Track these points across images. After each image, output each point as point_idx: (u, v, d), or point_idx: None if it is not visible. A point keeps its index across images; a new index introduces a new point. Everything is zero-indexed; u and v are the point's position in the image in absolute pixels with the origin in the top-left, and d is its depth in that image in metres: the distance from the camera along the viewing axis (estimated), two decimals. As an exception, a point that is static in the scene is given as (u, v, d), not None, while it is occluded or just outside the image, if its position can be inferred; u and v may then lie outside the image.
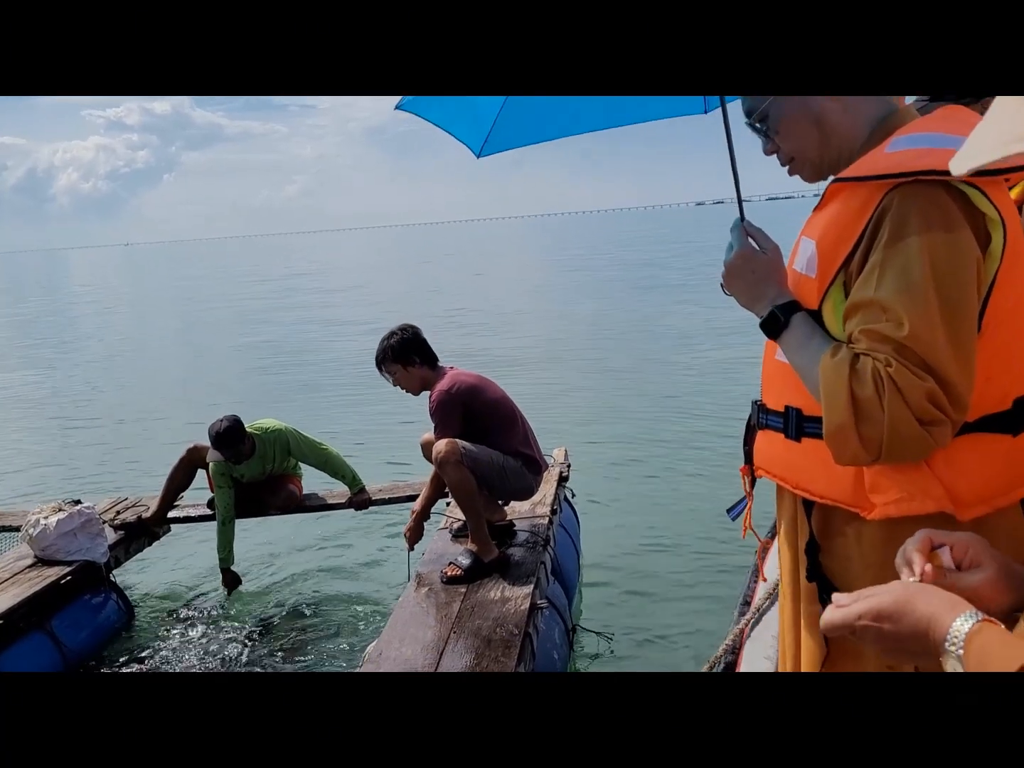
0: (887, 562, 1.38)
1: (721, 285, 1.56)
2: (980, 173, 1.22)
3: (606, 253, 41.77)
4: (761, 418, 1.56)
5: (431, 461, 4.00)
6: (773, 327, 1.43)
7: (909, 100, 1.57)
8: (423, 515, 4.19)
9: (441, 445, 3.83)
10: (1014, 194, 1.70)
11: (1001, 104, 0.72)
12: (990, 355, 1.30)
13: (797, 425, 1.45)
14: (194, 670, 3.99)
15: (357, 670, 3.40)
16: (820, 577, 1.46)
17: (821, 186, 1.51)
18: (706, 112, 2.31)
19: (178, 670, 4.00)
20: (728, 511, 1.80)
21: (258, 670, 4.00)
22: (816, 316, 1.39)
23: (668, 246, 44.12)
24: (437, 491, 4.18)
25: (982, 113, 1.91)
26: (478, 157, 2.29)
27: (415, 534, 4.16)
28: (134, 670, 4.04)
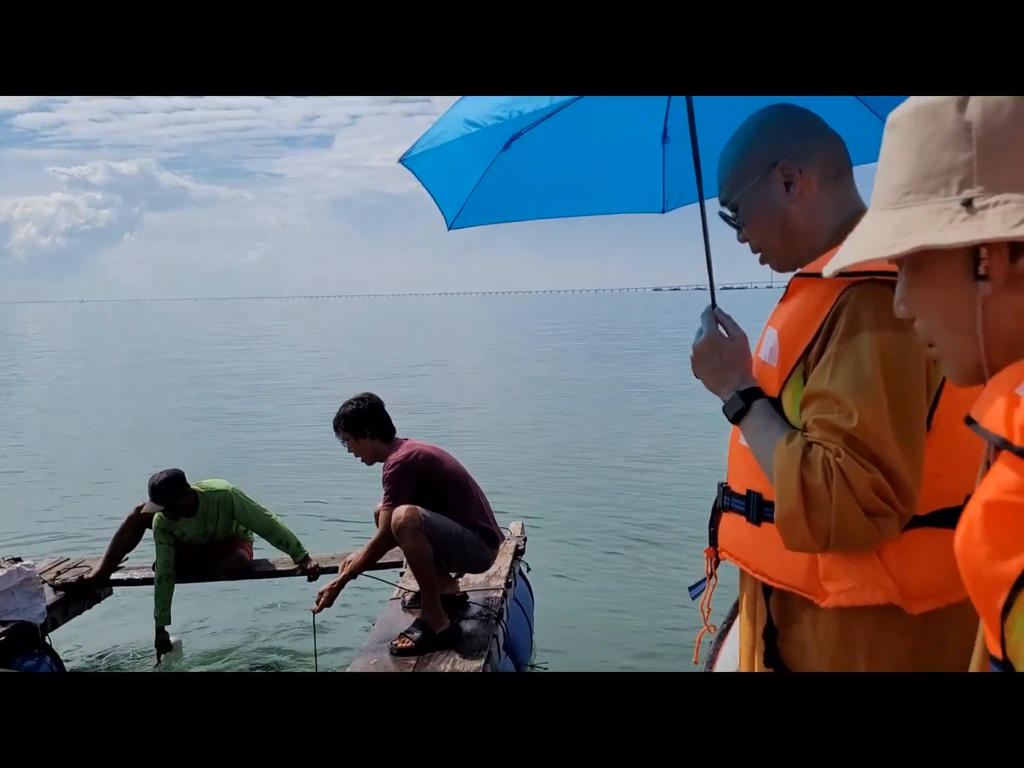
0: (842, 651, 1.40)
1: (691, 367, 1.62)
2: None
3: (566, 330, 42.37)
4: (726, 500, 1.59)
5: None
6: (734, 411, 1.48)
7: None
8: (345, 581, 4.05)
9: (401, 511, 3.78)
10: None
11: (865, 221, 0.84)
12: (942, 452, 1.34)
13: (757, 509, 1.48)
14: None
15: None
16: (777, 663, 1.47)
17: (776, 277, 1.60)
18: (664, 212, 2.47)
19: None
20: (689, 589, 1.80)
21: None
22: (776, 404, 1.44)
23: (629, 327, 44.91)
24: (372, 559, 4.07)
25: None
26: (449, 229, 2.35)
27: (330, 598, 4.02)
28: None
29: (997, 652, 0.72)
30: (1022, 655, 0.69)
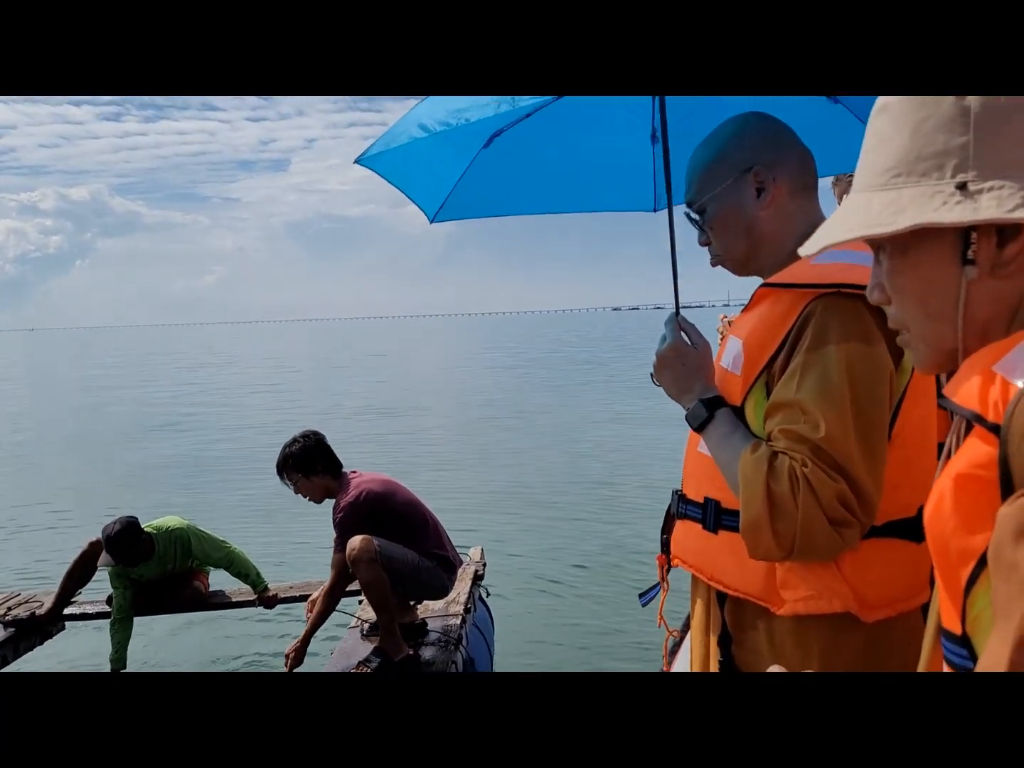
0: (797, 657, 1.41)
1: (651, 374, 1.61)
2: None
3: (526, 351, 42.45)
4: (681, 508, 1.59)
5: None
6: (698, 420, 1.48)
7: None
8: (309, 638, 4.00)
9: (356, 542, 3.76)
10: None
11: (848, 203, 0.85)
12: (898, 464, 1.37)
13: (715, 517, 1.48)
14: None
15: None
16: (732, 669, 1.48)
17: (734, 295, 1.62)
18: (655, 210, 2.45)
19: None
20: (640, 596, 1.80)
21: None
22: (739, 412, 1.45)
23: (591, 344, 45.14)
24: (330, 608, 4.02)
25: None
26: (431, 222, 2.35)
27: (298, 657, 3.95)
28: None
29: (956, 627, 0.72)
30: (981, 630, 0.70)
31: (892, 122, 0.81)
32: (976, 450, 0.70)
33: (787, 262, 1.47)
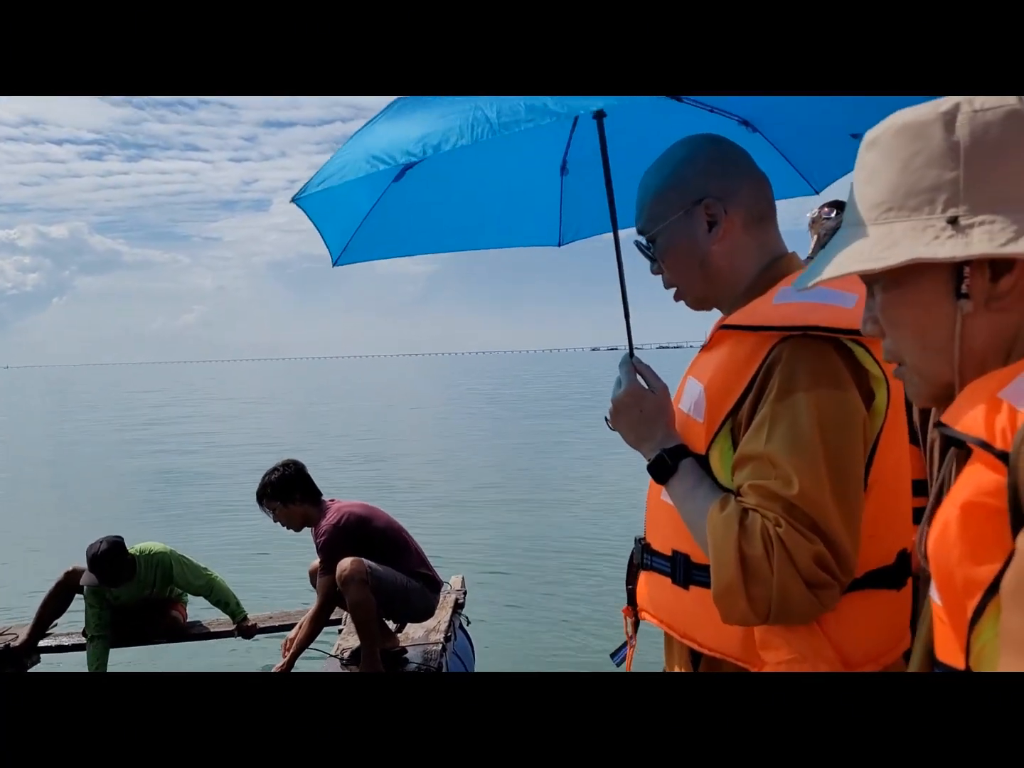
0: None
1: (606, 419, 1.52)
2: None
3: (505, 390, 42.48)
4: (646, 559, 1.49)
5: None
6: (660, 472, 1.38)
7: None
8: (294, 660, 4.00)
9: (347, 563, 3.79)
10: None
11: (839, 237, 0.85)
12: (875, 512, 1.29)
13: (685, 572, 1.38)
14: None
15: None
16: None
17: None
18: (560, 245, 2.39)
19: None
20: (612, 656, 1.69)
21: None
22: (702, 460, 1.36)
23: (567, 384, 45.28)
24: (315, 632, 4.04)
25: None
26: (334, 265, 2.19)
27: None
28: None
29: (958, 661, 0.70)
30: (985, 661, 0.68)
31: (883, 157, 0.81)
32: (982, 478, 0.69)
33: (746, 296, 1.41)
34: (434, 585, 4.18)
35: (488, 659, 5.23)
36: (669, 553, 1.42)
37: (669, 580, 1.42)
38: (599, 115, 1.70)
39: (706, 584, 1.29)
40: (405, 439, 20.50)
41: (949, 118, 0.77)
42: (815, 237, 3.12)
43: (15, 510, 12.14)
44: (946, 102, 0.78)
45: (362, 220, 2.10)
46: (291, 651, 4.00)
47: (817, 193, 2.16)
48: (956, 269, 0.76)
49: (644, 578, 1.52)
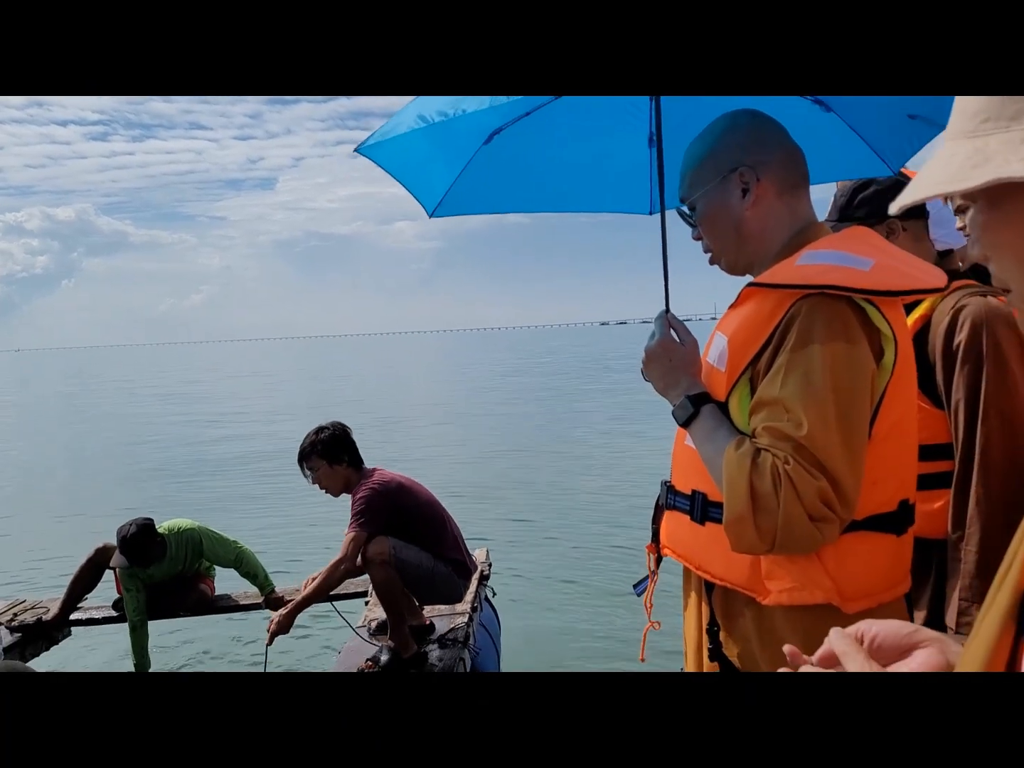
0: (781, 646, 1.46)
1: (641, 370, 1.63)
2: (880, 293, 1.36)
3: (517, 364, 42.53)
4: (669, 499, 1.62)
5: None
6: (684, 415, 1.50)
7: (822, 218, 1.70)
8: (299, 608, 3.79)
9: (372, 543, 3.73)
10: (921, 309, 1.86)
11: (936, 154, 0.77)
12: (878, 460, 1.40)
13: (702, 509, 1.51)
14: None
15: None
16: (721, 656, 1.51)
17: (721, 308, 1.61)
18: (651, 213, 2.45)
19: None
20: (634, 587, 1.83)
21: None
22: (723, 407, 1.47)
23: (580, 358, 45.28)
24: (330, 583, 3.82)
25: (885, 235, 2.08)
26: (431, 216, 2.35)
27: (282, 628, 3.72)
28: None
29: None
30: None
31: None
32: None
33: (775, 260, 1.50)
34: (464, 571, 4.08)
35: (514, 631, 5.28)
36: (689, 492, 1.54)
37: (688, 518, 1.55)
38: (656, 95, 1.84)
39: (720, 520, 1.41)
40: (418, 411, 20.55)
41: None
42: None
43: (38, 487, 12.28)
44: None
45: (456, 178, 2.27)
46: (296, 601, 3.81)
47: (894, 174, 2.15)
48: None
49: (667, 517, 1.65)
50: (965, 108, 0.74)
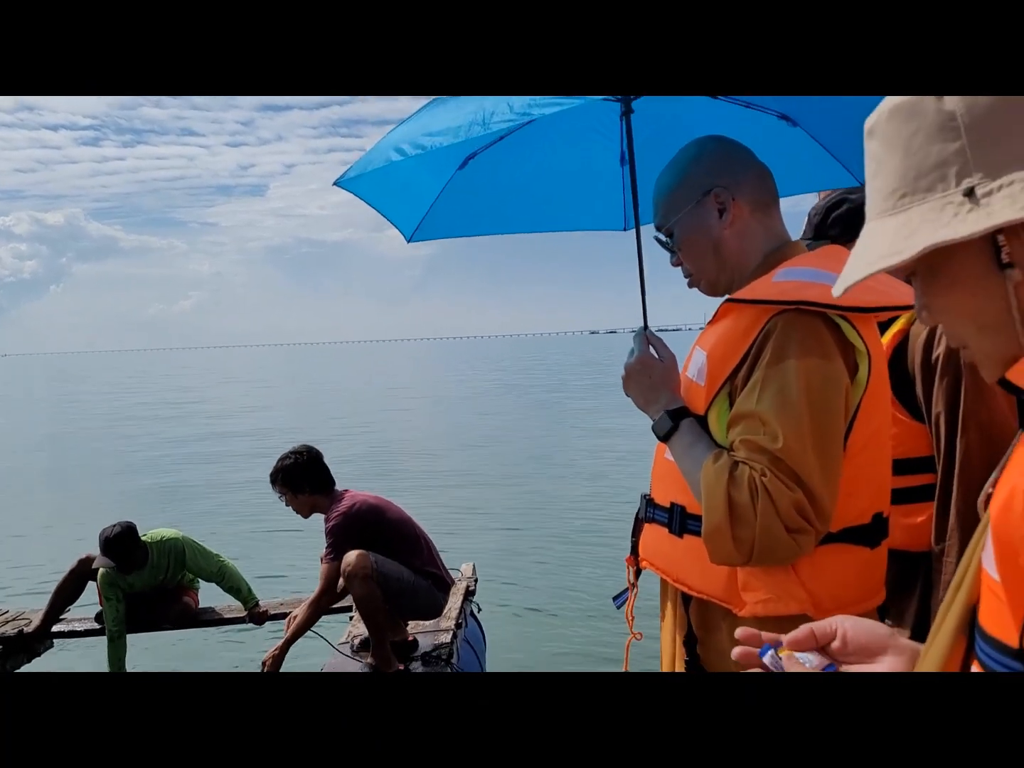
0: None
1: (622, 387, 1.68)
2: (853, 310, 1.41)
3: (505, 374, 42.53)
4: (649, 512, 1.65)
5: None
6: (663, 430, 1.55)
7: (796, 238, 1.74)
8: (289, 645, 3.96)
9: (352, 556, 3.76)
10: (899, 324, 1.88)
11: (863, 235, 0.81)
12: (852, 474, 1.44)
13: (680, 522, 1.54)
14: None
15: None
16: (697, 668, 1.54)
17: (709, 318, 1.63)
18: (625, 230, 2.52)
19: None
20: (614, 599, 1.86)
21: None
22: (703, 421, 1.51)
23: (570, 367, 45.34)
24: (313, 618, 4.00)
25: None
26: (409, 241, 2.43)
27: (277, 663, 3.90)
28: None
29: (1011, 638, 0.68)
30: None
31: (883, 144, 0.77)
32: None
33: (752, 278, 1.54)
34: (443, 585, 4.12)
35: (499, 647, 5.26)
36: (668, 505, 1.58)
37: (666, 530, 1.58)
38: (626, 112, 1.89)
39: (697, 533, 1.45)
40: (408, 423, 20.52)
41: None
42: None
43: (21, 495, 12.19)
44: None
45: (432, 203, 2.34)
46: (286, 636, 3.96)
47: (861, 184, 2.19)
48: (990, 240, 0.70)
49: (646, 530, 1.68)
50: (880, 189, 0.78)
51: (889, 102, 0.78)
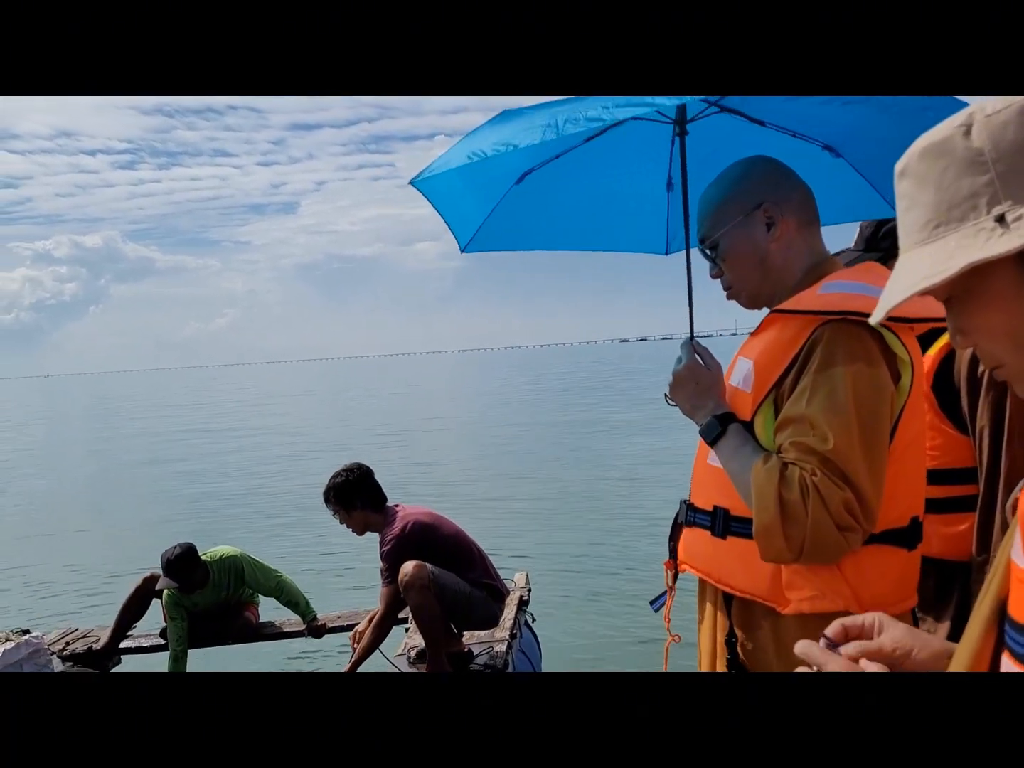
0: None
1: (665, 395, 1.74)
2: (897, 320, 1.46)
3: (537, 383, 42.46)
4: (689, 516, 1.71)
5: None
6: (712, 434, 1.60)
7: (834, 251, 1.82)
8: (356, 667, 4.00)
9: (409, 567, 3.82)
10: (946, 338, 1.91)
11: (899, 264, 0.87)
12: (894, 476, 1.49)
13: (724, 524, 1.59)
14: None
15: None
16: (738, 667, 1.59)
17: (741, 324, 1.71)
18: (667, 253, 2.59)
19: None
20: (651, 603, 1.90)
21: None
22: (748, 427, 1.57)
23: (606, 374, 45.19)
24: (379, 640, 4.04)
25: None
26: (463, 251, 2.49)
27: None
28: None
29: None
30: None
31: (915, 183, 0.82)
32: None
33: (793, 292, 1.59)
34: (498, 595, 4.16)
35: (555, 655, 5.30)
36: (710, 508, 1.63)
37: (708, 533, 1.63)
38: (681, 132, 1.96)
39: (742, 534, 1.52)
40: (447, 431, 20.60)
41: (965, 129, 0.78)
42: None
43: (89, 517, 12.44)
44: (959, 116, 0.80)
45: (488, 215, 2.40)
46: (354, 659, 4.03)
47: None
48: (1020, 260, 0.75)
49: (686, 533, 1.73)
50: (913, 222, 0.83)
51: (918, 145, 0.82)
